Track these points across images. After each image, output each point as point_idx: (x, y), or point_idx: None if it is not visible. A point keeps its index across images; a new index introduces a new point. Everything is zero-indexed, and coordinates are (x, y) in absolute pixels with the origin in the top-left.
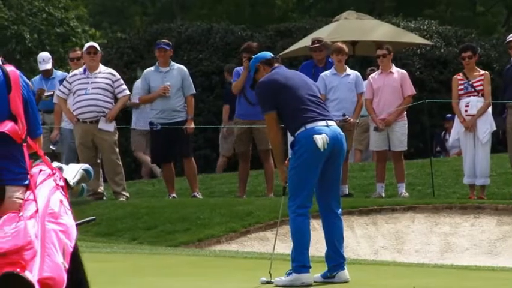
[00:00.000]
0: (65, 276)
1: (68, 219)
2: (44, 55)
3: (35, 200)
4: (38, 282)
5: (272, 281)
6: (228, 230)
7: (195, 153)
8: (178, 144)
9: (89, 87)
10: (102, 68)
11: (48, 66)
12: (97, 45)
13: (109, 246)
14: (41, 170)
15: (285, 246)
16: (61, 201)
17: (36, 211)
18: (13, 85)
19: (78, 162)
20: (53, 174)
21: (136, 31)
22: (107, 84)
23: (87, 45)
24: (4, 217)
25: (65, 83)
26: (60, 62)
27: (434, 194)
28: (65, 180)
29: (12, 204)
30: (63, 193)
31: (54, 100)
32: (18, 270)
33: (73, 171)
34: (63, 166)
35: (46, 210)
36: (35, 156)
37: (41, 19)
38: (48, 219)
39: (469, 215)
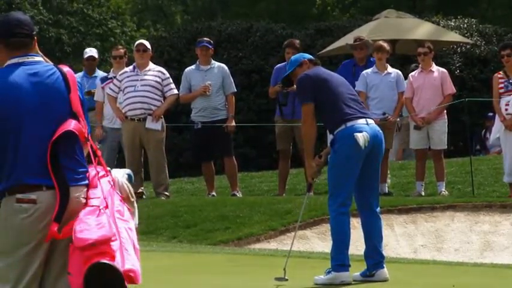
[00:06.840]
0: (140, 270)
1: (130, 218)
2: (91, 48)
3: (104, 197)
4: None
5: (286, 278)
6: (268, 228)
7: (235, 152)
8: (219, 143)
9: (138, 84)
10: (152, 65)
11: (95, 54)
12: (147, 43)
13: (149, 245)
14: (97, 172)
15: (324, 245)
16: (121, 200)
17: (106, 207)
18: (72, 85)
19: (118, 161)
20: (107, 175)
21: (176, 29)
22: (156, 82)
23: (137, 42)
24: (83, 211)
25: (115, 81)
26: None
27: (474, 192)
28: None
29: (78, 204)
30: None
31: (96, 98)
32: (108, 259)
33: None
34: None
35: (114, 208)
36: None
37: (79, 19)
38: (117, 216)
39: (509, 213)
